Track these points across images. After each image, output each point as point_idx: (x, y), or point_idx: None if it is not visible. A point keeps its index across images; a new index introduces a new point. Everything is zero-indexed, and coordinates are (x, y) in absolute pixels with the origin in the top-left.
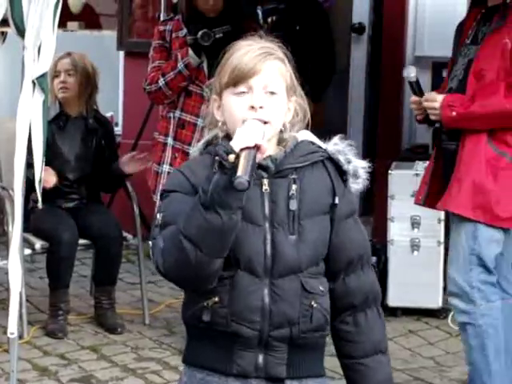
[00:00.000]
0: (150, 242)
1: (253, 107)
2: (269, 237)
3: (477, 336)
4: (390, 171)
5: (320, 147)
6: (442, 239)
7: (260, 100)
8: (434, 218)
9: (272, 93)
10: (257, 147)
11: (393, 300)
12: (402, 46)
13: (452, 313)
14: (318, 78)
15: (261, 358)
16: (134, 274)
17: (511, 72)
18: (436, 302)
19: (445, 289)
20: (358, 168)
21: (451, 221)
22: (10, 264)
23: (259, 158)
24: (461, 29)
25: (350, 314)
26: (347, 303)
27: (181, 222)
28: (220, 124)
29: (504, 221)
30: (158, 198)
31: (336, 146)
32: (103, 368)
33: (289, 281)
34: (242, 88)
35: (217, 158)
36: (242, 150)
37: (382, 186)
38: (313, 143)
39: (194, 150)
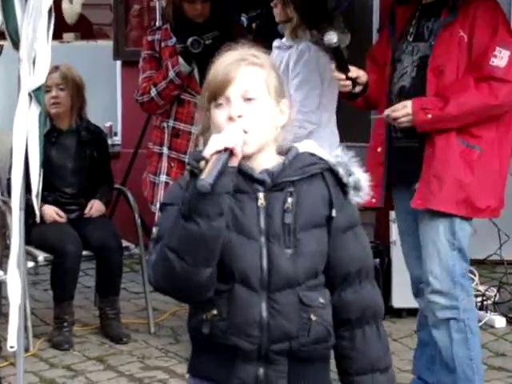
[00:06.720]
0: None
1: (231, 118)
2: (265, 251)
3: (460, 331)
4: None
5: (321, 159)
6: None
7: (237, 109)
8: None
9: (250, 99)
10: (229, 150)
11: (397, 301)
12: None
13: None
14: None
15: (261, 371)
16: (137, 283)
17: (472, 66)
18: None
19: None
20: (360, 181)
21: (420, 219)
22: (8, 277)
23: (234, 161)
24: (390, 29)
25: (348, 329)
26: (343, 318)
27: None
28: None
29: (483, 212)
30: (158, 209)
31: (338, 158)
32: (110, 378)
33: (286, 295)
34: (220, 100)
35: (188, 166)
36: (211, 155)
37: None
38: (313, 155)
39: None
